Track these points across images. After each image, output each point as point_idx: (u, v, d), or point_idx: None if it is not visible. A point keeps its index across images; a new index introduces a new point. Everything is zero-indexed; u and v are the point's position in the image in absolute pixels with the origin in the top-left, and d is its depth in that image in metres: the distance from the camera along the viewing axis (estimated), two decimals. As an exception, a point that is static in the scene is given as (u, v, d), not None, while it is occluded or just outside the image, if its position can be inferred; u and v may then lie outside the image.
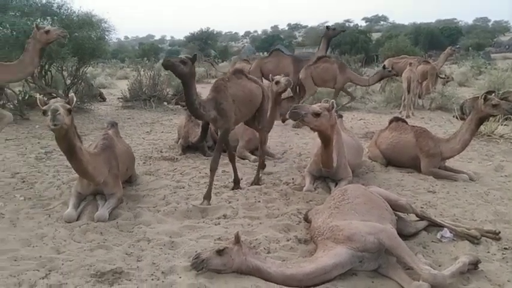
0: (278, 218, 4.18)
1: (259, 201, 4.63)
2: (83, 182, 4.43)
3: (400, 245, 3.08)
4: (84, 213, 4.24)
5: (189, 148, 6.97)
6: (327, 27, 10.85)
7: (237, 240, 3.08)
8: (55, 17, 11.12)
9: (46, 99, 3.81)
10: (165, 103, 12.82)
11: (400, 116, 8.65)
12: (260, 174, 5.46)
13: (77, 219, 4.12)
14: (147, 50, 42.08)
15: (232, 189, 5.06)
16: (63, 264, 3.20)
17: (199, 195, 4.80)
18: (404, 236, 3.62)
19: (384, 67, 11.43)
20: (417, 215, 3.94)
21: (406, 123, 6.42)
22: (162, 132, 8.91)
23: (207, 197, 4.59)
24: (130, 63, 37.60)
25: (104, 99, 14.21)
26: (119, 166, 4.62)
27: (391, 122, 6.54)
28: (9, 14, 10.29)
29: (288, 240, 3.66)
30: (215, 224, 4.04)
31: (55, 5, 11.63)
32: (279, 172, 5.82)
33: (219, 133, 4.90)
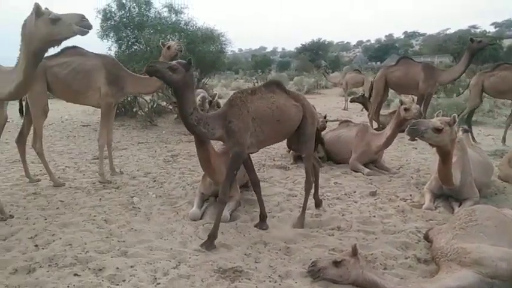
0: (395, 234, 4.03)
1: (374, 216, 4.52)
2: (206, 184, 4.82)
3: None
4: (206, 213, 4.61)
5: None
6: (471, 39, 9.34)
7: (354, 252, 3.07)
8: (182, 33, 12.24)
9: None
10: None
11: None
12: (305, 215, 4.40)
13: (201, 218, 4.49)
14: (259, 62, 43.76)
15: (256, 226, 4.23)
16: (190, 257, 3.53)
17: (311, 205, 4.87)
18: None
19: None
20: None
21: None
22: (275, 141, 9.19)
23: (211, 236, 3.80)
24: (244, 75, 39.62)
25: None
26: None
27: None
28: (145, 32, 11.63)
29: (406, 258, 3.51)
30: (329, 235, 4.05)
31: (183, 22, 12.84)
32: (395, 188, 5.60)
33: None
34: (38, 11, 3.61)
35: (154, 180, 6.07)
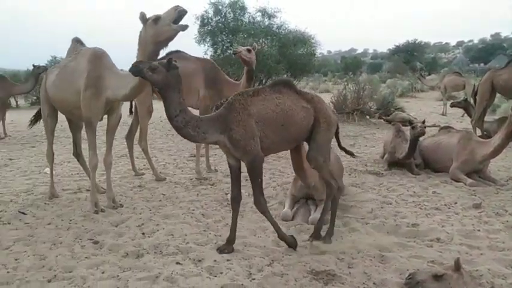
0: (504, 252, 3.69)
1: (478, 230, 4.18)
2: (297, 186, 4.86)
3: None
4: (298, 214, 4.65)
5: (395, 164, 6.81)
6: None
7: (458, 267, 2.88)
8: (274, 37, 12.47)
9: None
10: (368, 117, 12.81)
11: None
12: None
13: (292, 219, 4.55)
14: (349, 64, 42.83)
15: (219, 250, 3.71)
16: (283, 256, 3.60)
17: (407, 214, 4.66)
18: None
19: None
20: None
21: None
22: (366, 146, 8.95)
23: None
24: (332, 77, 39.04)
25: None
26: (329, 174, 4.88)
27: None
28: (239, 36, 12.05)
29: (517, 279, 3.20)
30: (427, 246, 3.84)
31: (275, 26, 13.07)
32: (503, 201, 5.11)
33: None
34: (142, 18, 4.01)
35: (246, 179, 6.23)
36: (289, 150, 4.20)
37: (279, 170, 6.85)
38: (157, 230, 4.21)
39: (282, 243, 3.89)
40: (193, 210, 4.86)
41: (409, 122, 6.66)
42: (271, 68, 11.68)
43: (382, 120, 12.33)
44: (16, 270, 3.37)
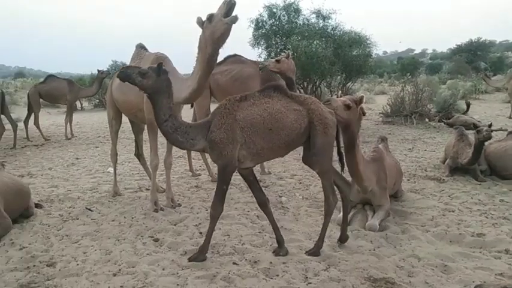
0: None
1: (554, 243, 3.88)
2: (353, 190, 4.75)
3: None
4: (354, 220, 4.56)
5: (457, 170, 6.47)
6: None
7: (531, 281, 2.69)
8: (329, 38, 12.28)
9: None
10: (427, 120, 12.29)
11: None
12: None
13: (348, 225, 4.46)
14: (406, 65, 41.25)
15: (274, 252, 3.74)
16: (339, 262, 3.55)
17: (472, 222, 4.42)
18: None
19: None
20: None
21: None
22: (425, 150, 8.58)
23: (202, 249, 3.66)
24: (388, 78, 37.78)
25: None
26: (387, 179, 4.74)
27: None
28: (292, 38, 12.00)
29: None
30: (495, 258, 3.62)
31: (330, 27, 12.89)
32: None
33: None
34: (199, 22, 4.05)
35: (300, 182, 6.26)
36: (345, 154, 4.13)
37: (333, 173, 6.75)
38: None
39: (339, 248, 3.84)
40: (248, 211, 4.92)
41: (474, 126, 6.29)
42: (325, 69, 11.52)
43: (442, 123, 11.76)
44: (84, 263, 3.60)
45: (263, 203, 3.77)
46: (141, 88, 3.36)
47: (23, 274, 3.39)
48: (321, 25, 12.87)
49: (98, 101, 21.41)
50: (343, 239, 3.94)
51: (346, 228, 3.98)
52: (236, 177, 6.59)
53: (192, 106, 6.72)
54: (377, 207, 4.57)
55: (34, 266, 3.54)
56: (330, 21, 12.80)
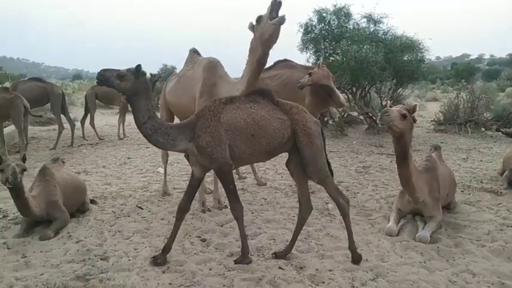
0: None
1: None
2: (404, 200, 4.62)
3: None
4: (403, 230, 4.42)
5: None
6: None
7: None
8: (380, 43, 12.00)
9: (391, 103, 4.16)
10: (483, 129, 11.68)
11: None
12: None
13: (397, 235, 4.34)
14: (460, 71, 39.45)
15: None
16: (388, 272, 3.45)
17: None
18: None
19: None
20: None
21: None
22: (481, 160, 8.16)
23: (243, 252, 3.66)
24: (441, 85, 36.31)
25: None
26: (439, 189, 4.56)
27: None
28: (342, 43, 11.85)
29: None
30: (560, 279, 3.38)
31: (381, 32, 12.60)
32: None
33: None
34: (251, 26, 4.13)
35: (347, 190, 6.15)
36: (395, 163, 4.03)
37: (382, 182, 6.59)
38: (260, 234, 4.34)
39: (387, 259, 3.74)
40: (293, 216, 4.90)
41: (537, 136, 5.91)
42: (375, 74, 11.28)
43: (500, 133, 11.12)
44: (135, 259, 3.74)
45: (183, 210, 3.71)
46: (119, 90, 3.38)
47: (79, 266, 3.57)
48: (371, 29, 12.62)
49: (148, 102, 22.13)
50: (281, 255, 3.78)
51: (294, 244, 3.86)
52: (281, 182, 6.64)
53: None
54: (428, 218, 4.40)
55: (89, 259, 3.72)
56: (381, 25, 12.54)
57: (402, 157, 4.11)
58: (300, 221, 3.84)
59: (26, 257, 3.76)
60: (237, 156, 3.48)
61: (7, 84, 17.01)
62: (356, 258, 3.65)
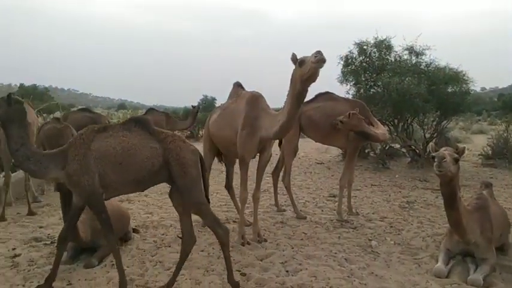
0: None
1: None
2: (453, 239, 4.39)
3: None
4: (453, 272, 4.17)
5: None
6: None
7: None
8: (423, 75, 11.78)
9: (436, 146, 4.07)
10: (537, 164, 11.06)
11: None
12: None
13: (447, 276, 4.10)
14: (508, 102, 37.86)
15: None
16: (438, 319, 3.25)
17: None
18: None
19: None
20: None
21: None
22: (536, 198, 7.68)
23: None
24: (488, 117, 34.93)
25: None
26: (492, 230, 4.31)
27: None
28: (383, 75, 11.75)
29: None
30: None
31: (423, 64, 12.40)
32: None
33: None
34: (293, 59, 4.27)
35: (391, 226, 5.93)
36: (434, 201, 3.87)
37: (428, 218, 6.31)
38: (301, 270, 4.23)
39: (436, 303, 3.53)
40: (335, 253, 4.76)
41: None
42: (418, 107, 11.05)
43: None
44: (176, 291, 3.73)
45: (63, 240, 3.72)
46: None
47: (122, 296, 3.60)
48: (413, 61, 12.45)
49: (189, 132, 22.71)
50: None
51: (175, 279, 3.79)
52: (322, 216, 6.51)
53: (280, 144, 6.80)
54: (480, 260, 4.14)
55: (131, 289, 3.75)
56: (423, 57, 12.34)
57: (451, 200, 3.97)
58: (182, 254, 3.79)
59: (71, 284, 3.86)
60: (108, 185, 3.49)
61: (57, 114, 18.02)
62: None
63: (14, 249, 4.76)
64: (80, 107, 18.59)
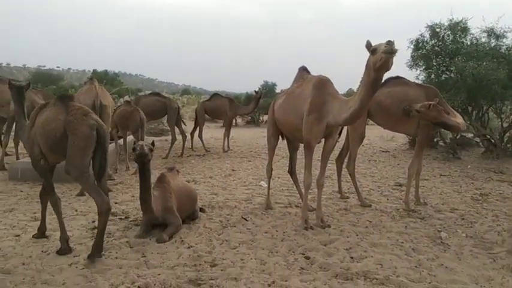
0: None
1: None
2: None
3: None
4: (534, 270, 3.90)
5: None
6: None
7: None
8: (503, 59, 10.91)
9: None
10: None
11: None
12: None
13: (526, 275, 3.84)
14: None
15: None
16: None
17: None
18: None
19: None
20: None
21: None
22: None
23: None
24: None
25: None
26: None
27: None
28: (457, 59, 11.03)
29: None
30: None
31: (504, 48, 11.48)
32: None
33: None
34: (368, 46, 4.15)
35: (463, 218, 5.64)
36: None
37: (504, 212, 5.92)
38: (366, 257, 4.17)
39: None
40: (402, 242, 4.63)
41: None
42: (496, 94, 10.28)
43: None
44: (242, 269, 3.84)
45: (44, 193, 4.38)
46: None
47: (191, 270, 3.80)
48: (492, 45, 11.56)
49: (250, 118, 22.98)
50: (93, 253, 3.94)
51: (102, 243, 4.04)
52: (387, 204, 6.35)
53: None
54: None
55: (200, 264, 3.93)
56: (504, 40, 11.41)
57: None
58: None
59: (145, 256, 4.11)
60: (45, 152, 4.10)
61: (127, 97, 19.03)
62: (63, 251, 4.07)
63: (93, 221, 5.15)
64: (148, 91, 19.48)
